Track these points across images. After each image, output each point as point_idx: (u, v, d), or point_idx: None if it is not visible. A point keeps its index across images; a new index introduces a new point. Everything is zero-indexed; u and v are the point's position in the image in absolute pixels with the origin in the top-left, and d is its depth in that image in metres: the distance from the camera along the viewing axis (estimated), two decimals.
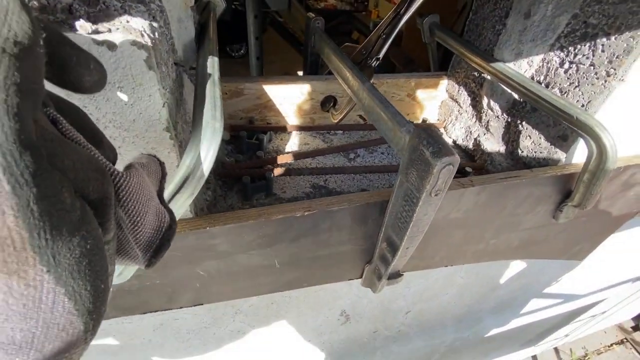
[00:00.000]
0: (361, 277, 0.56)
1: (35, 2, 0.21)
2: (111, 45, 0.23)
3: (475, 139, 0.71)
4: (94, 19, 0.24)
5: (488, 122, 0.68)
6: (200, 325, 0.55)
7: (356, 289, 0.64)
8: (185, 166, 0.26)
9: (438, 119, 0.84)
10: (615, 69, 0.43)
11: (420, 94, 0.80)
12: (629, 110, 0.48)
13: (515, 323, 1.31)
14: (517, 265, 0.82)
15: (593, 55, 0.46)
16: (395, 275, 0.49)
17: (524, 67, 0.57)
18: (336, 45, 0.60)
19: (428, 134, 0.33)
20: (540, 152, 0.56)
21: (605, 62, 0.44)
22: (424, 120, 0.83)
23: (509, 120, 0.62)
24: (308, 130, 0.75)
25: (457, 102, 0.77)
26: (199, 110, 0.30)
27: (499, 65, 0.58)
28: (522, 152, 0.60)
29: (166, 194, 0.29)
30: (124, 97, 0.26)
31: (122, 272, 0.34)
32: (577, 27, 0.48)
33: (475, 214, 0.52)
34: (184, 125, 0.40)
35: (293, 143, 0.72)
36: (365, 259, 0.52)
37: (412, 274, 0.68)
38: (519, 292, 1.00)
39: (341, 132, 0.76)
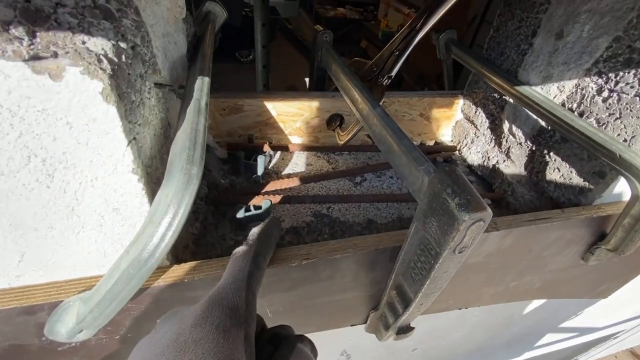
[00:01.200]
0: (365, 322, 0.50)
1: None
2: (55, 75, 0.18)
3: (494, 166, 0.65)
4: (38, 39, 0.18)
5: (509, 148, 0.61)
6: None
7: (359, 329, 0.58)
8: (144, 232, 0.21)
9: (452, 140, 0.78)
10: None
11: (434, 113, 0.74)
12: None
13: (527, 355, 1.23)
14: (535, 303, 0.75)
15: (639, 85, 0.40)
16: (406, 330, 0.43)
17: (553, 92, 0.51)
18: (344, 62, 0.54)
19: (453, 180, 0.27)
20: (571, 188, 0.50)
21: None
22: (436, 143, 0.77)
23: (534, 148, 0.56)
24: (312, 150, 0.69)
25: (473, 124, 0.71)
26: (175, 149, 0.24)
27: (523, 88, 0.52)
28: (549, 186, 0.54)
29: (106, 241, 0.23)
30: (74, 134, 0.20)
31: (85, 330, 0.29)
32: (620, 51, 0.42)
33: (498, 258, 0.46)
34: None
35: (295, 164, 0.67)
36: (371, 305, 0.46)
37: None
38: (535, 327, 0.93)
39: (347, 152, 0.71)
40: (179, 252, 0.35)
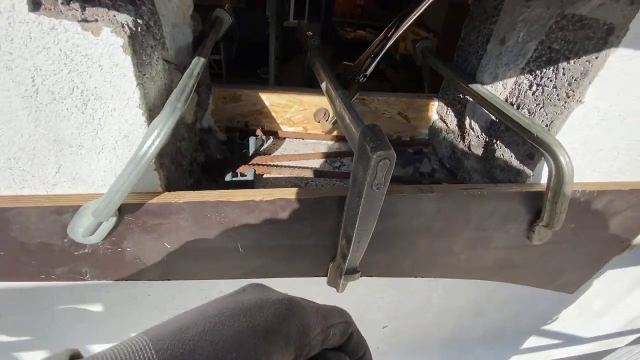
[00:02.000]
0: (326, 275, 0.58)
1: None
2: (95, 32, 0.29)
3: (458, 158, 0.73)
4: (87, 10, 0.30)
5: (470, 141, 0.70)
6: (171, 305, 0.58)
7: (327, 291, 0.65)
8: (141, 142, 0.31)
9: (428, 139, 0.87)
10: (574, 91, 0.46)
11: (412, 113, 0.84)
12: (592, 133, 0.50)
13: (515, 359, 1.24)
14: (498, 291, 0.80)
15: (556, 78, 0.48)
16: (352, 271, 0.51)
17: (499, 90, 0.60)
18: (325, 61, 0.65)
19: (372, 131, 0.37)
20: (511, 170, 0.58)
21: (566, 85, 0.47)
22: (412, 138, 0.86)
23: (487, 139, 0.64)
24: (300, 137, 0.80)
25: (445, 122, 0.80)
26: (170, 96, 0.35)
27: (478, 88, 0.61)
28: (496, 170, 0.61)
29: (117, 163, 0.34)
30: (103, 74, 0.31)
31: (97, 231, 0.39)
32: (544, 52, 0.51)
33: (439, 223, 0.53)
34: None
35: (283, 148, 0.77)
36: (330, 257, 0.55)
37: (384, 282, 0.69)
38: (509, 323, 0.97)
39: (332, 142, 0.81)
40: (170, 188, 0.46)
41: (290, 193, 0.45)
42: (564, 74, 0.47)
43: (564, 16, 0.47)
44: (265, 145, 0.77)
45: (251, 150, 0.71)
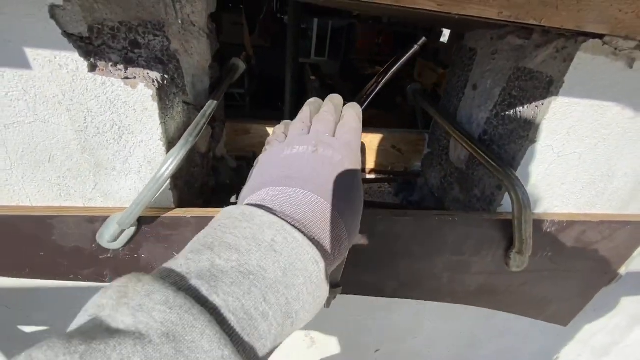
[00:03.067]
0: None
1: (93, 60, 0.39)
2: (133, 86, 0.40)
3: (445, 188, 0.80)
4: (128, 70, 0.41)
5: (452, 173, 0.76)
6: None
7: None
8: (159, 164, 0.41)
9: (421, 170, 0.93)
10: (527, 132, 0.53)
11: (405, 146, 0.92)
12: (552, 168, 0.56)
13: None
14: (491, 320, 0.82)
15: (515, 120, 0.56)
16: (334, 286, 0.57)
17: (474, 128, 0.68)
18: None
19: None
20: (485, 200, 0.63)
21: (522, 125, 0.54)
22: (405, 169, 0.93)
23: (467, 172, 0.71)
24: None
25: (434, 155, 0.87)
26: (187, 130, 0.45)
27: (457, 126, 0.69)
28: (473, 199, 0.67)
29: (140, 183, 0.44)
30: (135, 115, 0.42)
31: (119, 238, 0.48)
32: (506, 97, 0.58)
33: (416, 246, 0.59)
34: None
35: None
36: None
37: (372, 304, 0.74)
38: (506, 357, 0.96)
39: None
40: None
41: None
42: (520, 117, 0.54)
43: (519, 69, 0.55)
44: None
45: None
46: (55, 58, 0.37)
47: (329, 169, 0.33)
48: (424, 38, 0.71)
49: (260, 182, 0.34)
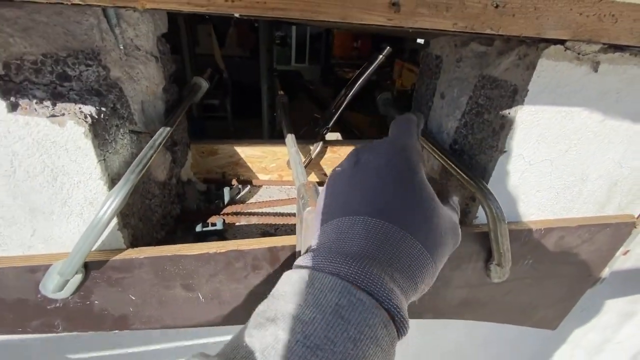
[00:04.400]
0: None
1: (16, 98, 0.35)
2: (61, 124, 0.36)
3: None
4: (56, 107, 0.37)
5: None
6: (145, 351, 0.61)
7: None
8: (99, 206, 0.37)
9: None
10: (496, 142, 0.51)
11: None
12: (524, 177, 0.54)
13: None
14: (476, 330, 0.80)
15: (483, 129, 0.54)
16: None
17: (445, 137, 0.66)
18: (289, 120, 0.73)
19: (305, 189, 0.42)
20: (460, 211, 0.61)
21: (491, 135, 0.52)
22: None
23: (440, 182, 0.69)
24: (275, 185, 0.85)
25: None
26: (130, 166, 0.41)
27: (428, 136, 0.67)
28: None
29: (83, 226, 0.40)
30: (68, 155, 0.38)
31: (66, 287, 0.44)
32: (473, 106, 0.57)
33: None
34: None
35: (259, 196, 0.82)
36: None
37: None
38: None
39: None
40: (137, 244, 0.51)
41: (243, 244, 0.49)
42: (488, 126, 0.52)
43: (484, 76, 0.53)
44: (242, 194, 0.82)
45: (226, 199, 0.76)
46: None
47: (375, 181, 0.32)
48: (388, 48, 0.69)
49: (327, 212, 0.32)
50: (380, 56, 0.70)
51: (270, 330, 0.23)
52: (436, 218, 0.32)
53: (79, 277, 0.44)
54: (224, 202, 0.75)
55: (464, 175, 0.52)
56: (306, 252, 0.32)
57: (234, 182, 0.81)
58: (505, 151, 0.50)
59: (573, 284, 0.72)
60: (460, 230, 0.38)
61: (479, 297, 0.67)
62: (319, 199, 0.35)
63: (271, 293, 0.28)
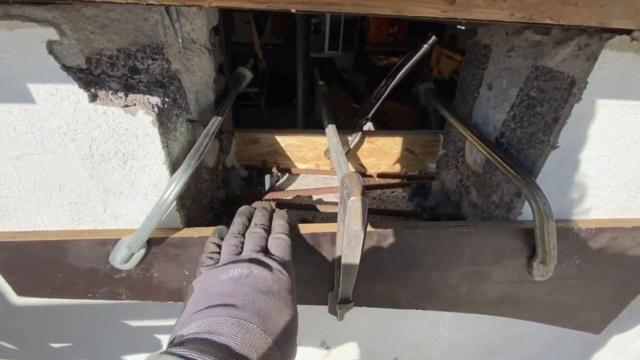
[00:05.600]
0: (327, 304, 0.62)
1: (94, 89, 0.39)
2: (133, 113, 0.40)
3: (461, 192, 0.76)
4: (129, 97, 0.41)
5: (469, 177, 0.73)
6: None
7: (332, 319, 0.70)
8: (164, 187, 0.41)
9: (436, 172, 0.90)
10: (548, 136, 0.49)
11: (418, 149, 0.88)
12: (576, 173, 0.51)
13: None
14: (509, 327, 0.79)
15: (534, 123, 0.52)
16: (346, 301, 0.56)
17: (490, 130, 0.64)
18: (329, 110, 0.74)
19: (349, 179, 0.43)
20: (504, 207, 0.60)
21: (542, 129, 0.50)
22: (419, 172, 0.90)
23: (484, 175, 0.67)
24: (312, 173, 0.87)
25: (450, 156, 0.83)
26: (190, 152, 0.45)
27: (472, 128, 0.65)
28: (491, 206, 0.64)
29: (147, 206, 0.44)
30: (138, 141, 0.42)
31: (131, 260, 0.49)
32: (524, 98, 0.55)
33: (430, 257, 0.57)
34: None
35: (297, 184, 0.85)
36: (329, 286, 0.60)
37: (388, 313, 0.72)
38: None
39: None
40: (191, 225, 0.55)
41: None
42: (540, 120, 0.50)
43: (537, 67, 0.51)
44: (280, 181, 0.86)
45: (267, 186, 0.80)
46: (57, 91, 0.38)
47: (261, 293, 0.36)
48: (433, 37, 0.68)
49: (192, 313, 0.34)
50: (425, 45, 0.69)
51: None
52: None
53: (142, 252, 0.49)
54: (265, 189, 0.78)
55: (511, 170, 0.51)
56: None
57: (274, 169, 0.84)
58: (557, 146, 0.48)
59: (623, 287, 0.68)
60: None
61: (518, 295, 0.66)
62: (206, 291, 0.36)
63: None
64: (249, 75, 0.77)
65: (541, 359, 0.90)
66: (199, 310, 0.33)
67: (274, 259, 0.40)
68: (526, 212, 0.56)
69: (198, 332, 0.30)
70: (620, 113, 0.46)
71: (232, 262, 0.38)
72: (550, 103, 0.48)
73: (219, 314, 0.32)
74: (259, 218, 0.46)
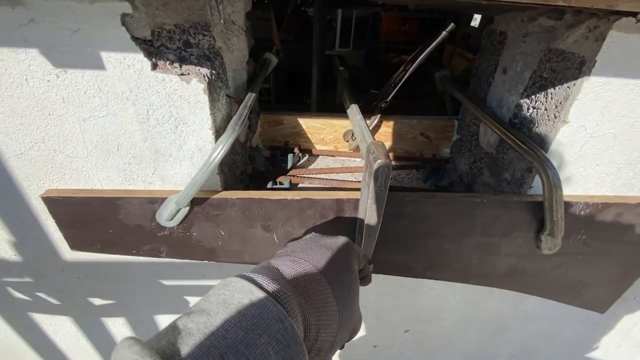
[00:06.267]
0: None
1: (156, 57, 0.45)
2: (187, 81, 0.45)
3: (475, 173, 0.80)
4: (183, 67, 0.46)
5: (482, 158, 0.77)
6: None
7: None
8: (211, 149, 0.46)
9: (450, 156, 0.94)
10: (559, 113, 0.53)
11: (433, 133, 0.92)
12: (584, 149, 0.55)
13: None
14: (518, 304, 0.82)
15: (546, 102, 0.56)
16: (367, 263, 0.61)
17: (504, 112, 0.68)
18: (351, 91, 0.79)
19: (375, 146, 0.48)
20: (515, 183, 0.64)
21: (553, 107, 0.54)
22: (434, 155, 0.94)
23: (496, 156, 0.71)
24: (331, 155, 0.92)
25: (463, 141, 0.87)
26: (232, 119, 0.50)
27: (487, 111, 0.70)
28: (503, 183, 0.68)
29: (192, 168, 0.50)
30: (190, 107, 0.47)
31: (175, 217, 0.55)
32: (536, 80, 0.59)
33: (445, 227, 0.61)
34: None
35: (316, 164, 0.90)
36: None
37: (400, 284, 0.77)
38: (538, 343, 0.95)
39: (358, 158, 0.92)
40: (227, 188, 0.60)
41: (315, 194, 0.57)
42: (551, 98, 0.55)
43: (550, 50, 0.55)
44: (301, 161, 0.91)
45: (289, 164, 0.85)
46: (125, 59, 0.43)
47: (324, 249, 0.41)
48: (452, 24, 0.72)
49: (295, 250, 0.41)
50: (444, 32, 0.73)
51: (183, 321, 0.27)
52: (351, 306, 0.39)
53: (186, 209, 0.55)
54: (287, 167, 0.84)
55: (523, 145, 0.55)
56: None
57: (296, 150, 0.89)
58: (567, 122, 0.53)
59: (628, 265, 0.72)
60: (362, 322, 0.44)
61: (527, 268, 0.70)
62: (297, 242, 0.43)
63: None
64: (274, 60, 0.82)
65: (548, 338, 0.93)
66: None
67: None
68: (536, 186, 0.60)
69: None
70: (626, 91, 0.50)
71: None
72: (561, 82, 0.53)
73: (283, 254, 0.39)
74: None
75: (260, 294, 0.29)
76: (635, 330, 0.95)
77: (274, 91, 4.50)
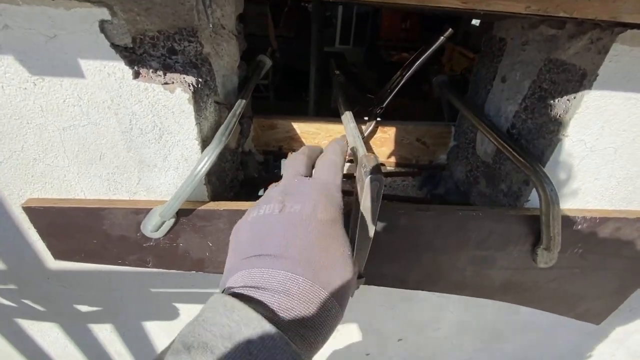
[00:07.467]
0: None
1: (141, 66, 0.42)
2: (171, 90, 0.43)
3: (470, 183, 0.79)
4: (167, 76, 0.44)
5: (478, 167, 0.75)
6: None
7: None
8: (195, 161, 0.44)
9: (447, 163, 0.92)
10: (558, 126, 0.51)
11: (429, 140, 0.91)
12: (583, 163, 0.54)
13: None
14: (513, 314, 0.81)
15: (545, 114, 0.54)
16: (358, 276, 0.59)
17: (502, 121, 0.66)
18: (346, 98, 0.77)
19: (367, 159, 0.46)
20: (512, 195, 0.62)
21: (552, 120, 0.52)
22: (430, 162, 0.92)
23: (493, 166, 0.69)
24: None
25: (460, 148, 0.86)
26: (219, 130, 0.48)
27: (484, 119, 0.68)
28: (499, 194, 0.66)
29: (178, 179, 0.48)
30: (174, 117, 0.45)
31: (161, 228, 0.53)
32: (536, 90, 0.57)
33: (439, 239, 0.60)
34: None
35: None
36: None
37: (393, 294, 0.75)
38: (533, 352, 0.95)
39: (356, 164, 0.90)
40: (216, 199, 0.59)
41: None
42: (550, 111, 0.53)
43: (550, 60, 0.53)
44: None
45: (282, 169, 0.83)
46: (105, 67, 0.41)
47: (300, 231, 0.32)
48: (450, 29, 0.70)
49: (234, 263, 0.33)
50: (442, 37, 0.71)
51: (182, 358, 0.24)
52: (348, 273, 0.34)
53: (172, 221, 0.53)
54: (281, 172, 0.82)
55: (520, 158, 0.54)
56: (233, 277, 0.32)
57: (290, 154, 0.87)
58: (566, 136, 0.51)
59: (625, 279, 0.71)
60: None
61: (522, 281, 0.69)
62: (239, 237, 0.35)
63: (197, 315, 0.28)
64: (268, 62, 0.80)
65: (542, 348, 0.93)
66: (235, 263, 0.34)
67: (316, 184, 0.36)
68: (533, 199, 0.59)
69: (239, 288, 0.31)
70: (628, 105, 0.48)
71: (266, 197, 0.37)
72: (561, 94, 0.51)
73: (253, 265, 0.31)
74: (305, 147, 0.44)
75: (271, 330, 0.25)
76: (629, 340, 0.94)
77: (273, 88, 4.47)
